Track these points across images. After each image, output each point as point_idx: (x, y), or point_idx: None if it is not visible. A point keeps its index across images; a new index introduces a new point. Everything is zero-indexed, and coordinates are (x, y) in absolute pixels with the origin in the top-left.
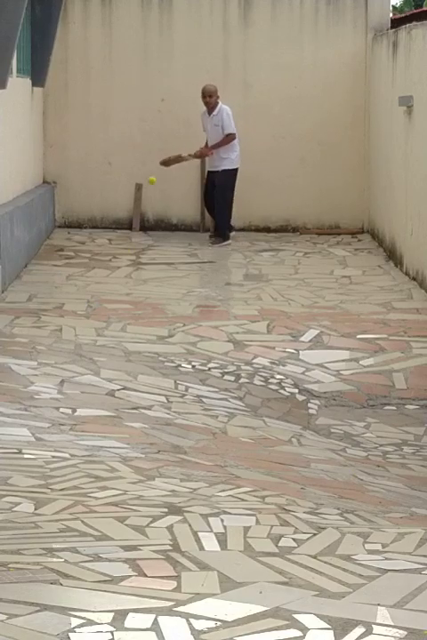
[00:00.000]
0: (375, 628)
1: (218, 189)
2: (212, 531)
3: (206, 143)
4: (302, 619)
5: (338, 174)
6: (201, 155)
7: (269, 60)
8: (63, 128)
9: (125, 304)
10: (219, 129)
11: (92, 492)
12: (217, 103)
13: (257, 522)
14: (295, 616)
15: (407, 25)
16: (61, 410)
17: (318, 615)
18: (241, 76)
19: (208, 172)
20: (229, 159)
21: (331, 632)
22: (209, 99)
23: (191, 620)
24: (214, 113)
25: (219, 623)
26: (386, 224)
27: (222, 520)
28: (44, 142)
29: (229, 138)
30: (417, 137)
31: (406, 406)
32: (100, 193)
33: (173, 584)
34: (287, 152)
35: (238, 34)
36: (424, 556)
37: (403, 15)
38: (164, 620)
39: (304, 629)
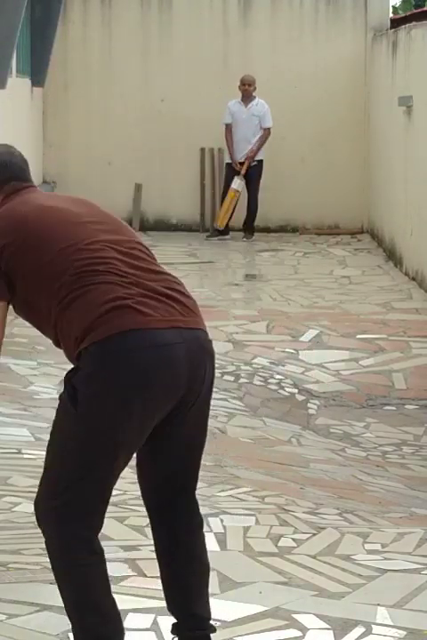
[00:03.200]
0: (375, 628)
1: (256, 180)
2: (211, 531)
3: (229, 132)
4: (302, 619)
5: (338, 174)
6: (249, 162)
7: (269, 60)
8: (63, 128)
9: None
10: (256, 119)
11: None
12: (253, 95)
13: (257, 522)
14: (295, 616)
15: (407, 25)
16: None
17: (317, 615)
18: (241, 76)
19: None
20: (261, 150)
21: (331, 632)
22: (248, 87)
23: None
24: (253, 103)
25: (218, 623)
26: (386, 224)
27: (222, 520)
28: (43, 142)
29: (268, 132)
30: (417, 137)
31: (406, 406)
32: (99, 193)
33: None
34: (287, 152)
35: (238, 34)
36: (424, 556)
37: (403, 15)
38: (164, 620)
39: (304, 629)
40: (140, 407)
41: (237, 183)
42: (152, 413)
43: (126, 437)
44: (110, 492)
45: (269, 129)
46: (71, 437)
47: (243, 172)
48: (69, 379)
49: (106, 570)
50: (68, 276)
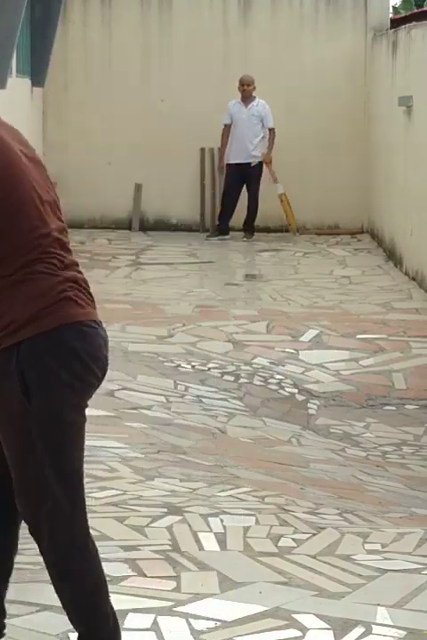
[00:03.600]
0: (375, 628)
1: (256, 181)
2: (211, 531)
3: (226, 134)
4: (302, 619)
5: (338, 174)
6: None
7: (269, 60)
8: (63, 128)
9: (125, 304)
10: (256, 120)
11: (91, 492)
12: (253, 95)
13: (257, 522)
14: (295, 616)
15: (407, 25)
16: None
17: (317, 615)
18: (241, 76)
19: (236, 164)
20: (260, 150)
21: (331, 632)
22: (247, 87)
23: (191, 620)
24: (253, 104)
25: (218, 623)
26: (386, 224)
27: (222, 520)
28: (43, 142)
29: (274, 132)
30: (417, 137)
31: (406, 406)
32: (99, 193)
33: (173, 584)
34: (287, 152)
35: (238, 34)
36: (424, 556)
37: (403, 15)
38: (163, 620)
39: (304, 629)
40: (82, 395)
41: (279, 187)
42: (87, 400)
43: (77, 422)
44: (83, 473)
45: (273, 129)
46: (33, 437)
47: (274, 177)
48: (17, 365)
49: (102, 570)
50: (27, 259)
